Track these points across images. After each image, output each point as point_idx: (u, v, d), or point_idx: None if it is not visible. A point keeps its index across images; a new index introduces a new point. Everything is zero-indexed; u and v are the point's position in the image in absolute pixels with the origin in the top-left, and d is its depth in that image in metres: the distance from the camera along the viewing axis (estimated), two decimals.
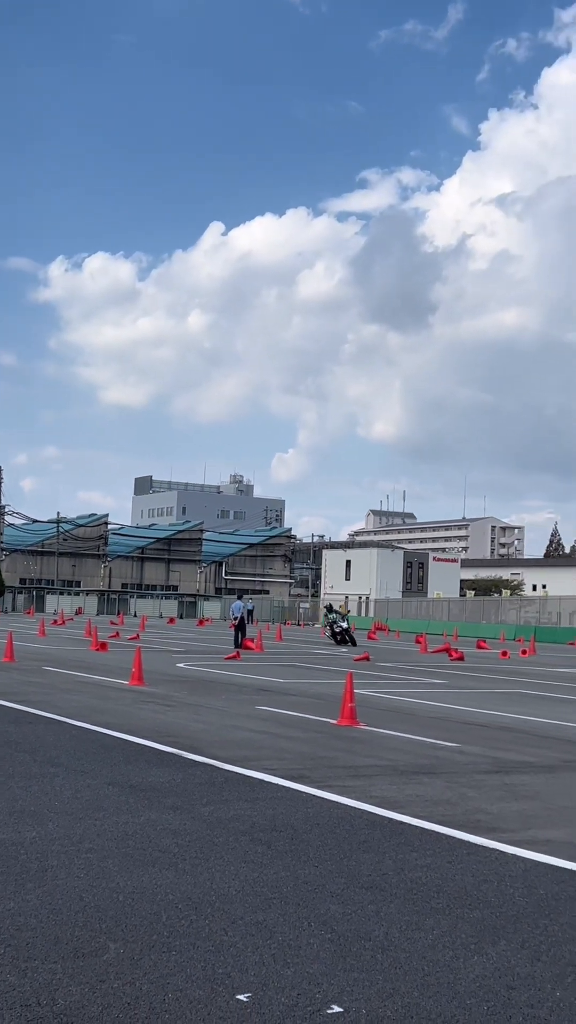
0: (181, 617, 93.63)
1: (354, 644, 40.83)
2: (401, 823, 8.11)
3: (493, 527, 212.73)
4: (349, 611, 45.32)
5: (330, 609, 42.46)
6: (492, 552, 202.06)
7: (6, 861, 6.48)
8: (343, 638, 41.33)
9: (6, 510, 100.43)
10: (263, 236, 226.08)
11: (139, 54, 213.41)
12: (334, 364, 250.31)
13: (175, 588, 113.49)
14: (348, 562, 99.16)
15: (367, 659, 32.28)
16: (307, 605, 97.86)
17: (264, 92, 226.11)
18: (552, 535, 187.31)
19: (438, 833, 7.79)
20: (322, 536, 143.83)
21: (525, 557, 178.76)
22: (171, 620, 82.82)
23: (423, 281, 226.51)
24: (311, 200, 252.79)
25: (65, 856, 6.67)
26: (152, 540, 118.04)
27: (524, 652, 41.52)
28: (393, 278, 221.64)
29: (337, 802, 8.85)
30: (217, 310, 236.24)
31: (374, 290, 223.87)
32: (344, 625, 41.30)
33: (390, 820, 8.20)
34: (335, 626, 41.49)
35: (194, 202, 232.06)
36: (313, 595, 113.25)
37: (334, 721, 14.84)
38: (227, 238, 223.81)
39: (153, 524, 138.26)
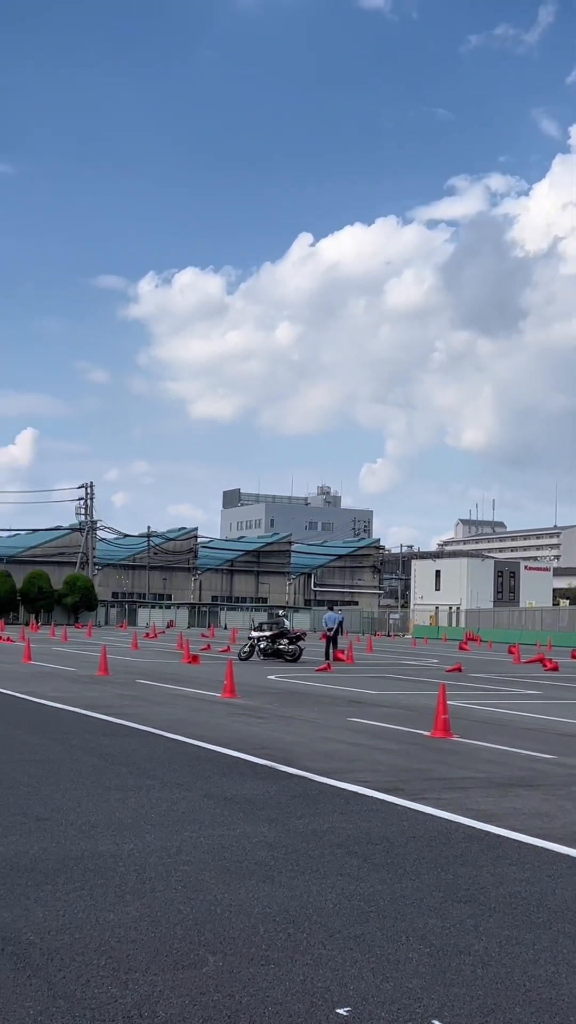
0: None
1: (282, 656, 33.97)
2: (498, 836, 8.01)
3: None
4: (280, 615, 37.34)
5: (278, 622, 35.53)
6: None
7: (105, 873, 6.56)
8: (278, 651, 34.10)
9: (98, 525, 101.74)
10: (352, 246, 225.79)
11: (224, 66, 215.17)
12: (423, 372, 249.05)
13: (264, 600, 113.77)
14: (438, 572, 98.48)
15: (459, 670, 32.01)
16: (397, 616, 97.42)
17: (352, 101, 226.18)
18: None
19: (537, 847, 7.69)
20: (411, 546, 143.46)
21: None
22: None
23: (513, 286, 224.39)
24: (400, 208, 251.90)
25: (163, 868, 6.72)
26: (241, 553, 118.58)
27: None
28: (483, 284, 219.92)
29: (432, 815, 8.78)
30: (305, 322, 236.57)
31: (464, 297, 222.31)
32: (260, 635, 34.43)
33: (487, 833, 8.12)
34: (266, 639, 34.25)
35: (283, 214, 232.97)
36: (403, 605, 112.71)
37: (427, 733, 14.74)
38: (315, 249, 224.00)
39: (242, 537, 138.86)
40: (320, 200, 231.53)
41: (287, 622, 35.60)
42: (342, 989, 4.69)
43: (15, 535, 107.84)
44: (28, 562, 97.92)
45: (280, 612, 41.27)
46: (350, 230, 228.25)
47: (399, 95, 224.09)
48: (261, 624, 35.88)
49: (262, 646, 34.42)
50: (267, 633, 34.70)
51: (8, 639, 47.38)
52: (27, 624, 77.07)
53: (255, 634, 35.04)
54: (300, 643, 34.79)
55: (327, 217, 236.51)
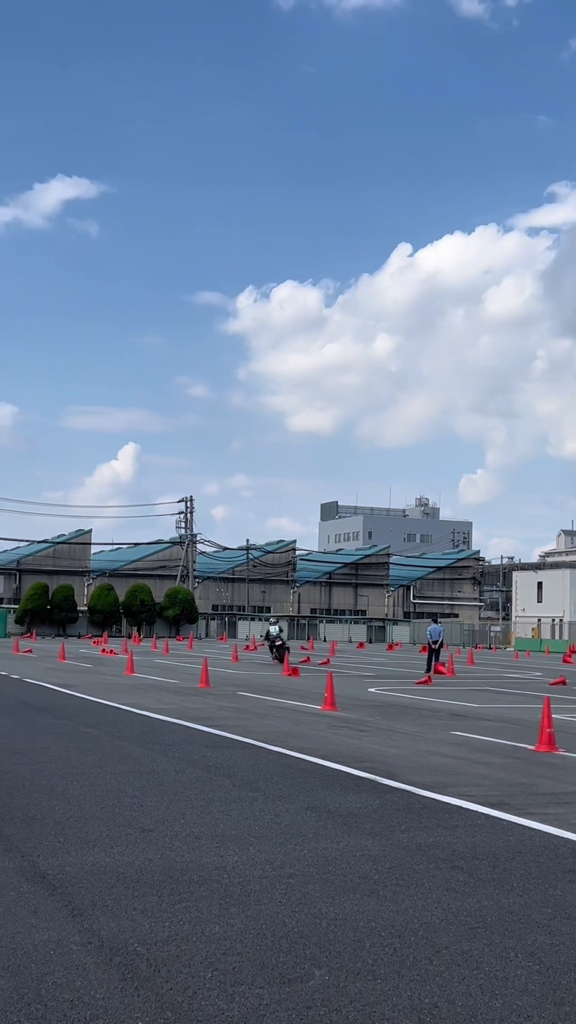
0: (370, 642, 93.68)
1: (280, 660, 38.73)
2: None
3: None
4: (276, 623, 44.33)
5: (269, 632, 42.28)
6: None
7: (211, 885, 6.58)
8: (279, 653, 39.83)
9: (197, 538, 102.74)
10: (450, 255, 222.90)
11: (322, 79, 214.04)
12: (524, 381, 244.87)
13: (363, 612, 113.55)
14: (539, 584, 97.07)
15: (563, 683, 31.51)
16: (498, 628, 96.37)
17: (451, 109, 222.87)
18: None
19: None
20: (511, 558, 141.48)
21: None
22: (360, 645, 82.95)
23: None
24: (500, 216, 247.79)
25: (267, 881, 6.72)
26: (339, 565, 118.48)
27: None
28: None
29: (539, 830, 8.64)
30: (403, 332, 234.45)
31: (565, 304, 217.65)
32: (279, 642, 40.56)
33: None
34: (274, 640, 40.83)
35: (381, 225, 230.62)
36: (504, 618, 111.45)
37: (532, 747, 14.52)
38: (414, 259, 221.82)
39: (340, 549, 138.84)
40: (419, 210, 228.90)
41: (272, 631, 41.40)
42: (450, 1006, 4.63)
43: (117, 549, 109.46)
44: (130, 575, 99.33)
45: (272, 620, 49.03)
46: (449, 239, 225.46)
47: (499, 102, 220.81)
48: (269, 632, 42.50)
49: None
50: (271, 640, 41.26)
51: (112, 651, 48.03)
52: (130, 637, 78.08)
53: (265, 642, 43.76)
54: (281, 647, 39.76)
55: (426, 227, 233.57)
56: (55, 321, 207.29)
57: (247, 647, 60.75)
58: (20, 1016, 4.43)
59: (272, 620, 47.56)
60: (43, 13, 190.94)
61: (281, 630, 42.05)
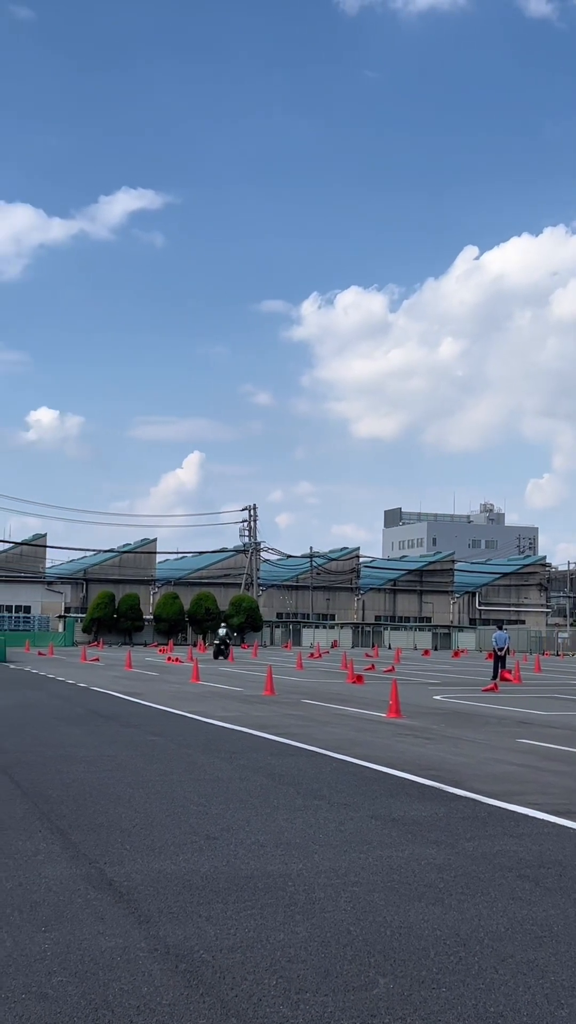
0: (435, 649, 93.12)
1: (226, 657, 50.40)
2: None
3: None
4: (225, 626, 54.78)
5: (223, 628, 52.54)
6: None
7: (275, 893, 6.60)
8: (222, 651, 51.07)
9: (262, 547, 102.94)
10: (517, 258, 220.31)
11: (386, 84, 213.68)
12: None
13: (428, 619, 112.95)
14: None
15: None
16: (566, 635, 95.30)
17: (518, 110, 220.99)
18: None
19: None
20: None
21: None
22: (426, 652, 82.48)
23: None
24: (568, 217, 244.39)
25: (331, 889, 6.73)
26: (404, 572, 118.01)
27: None
28: None
29: None
30: (469, 336, 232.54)
31: None
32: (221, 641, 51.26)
33: None
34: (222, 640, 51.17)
35: (446, 228, 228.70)
36: (572, 624, 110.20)
37: None
38: (480, 262, 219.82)
39: (404, 556, 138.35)
40: (486, 212, 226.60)
41: (221, 632, 51.70)
42: (515, 1015, 4.61)
43: (182, 557, 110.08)
44: (195, 584, 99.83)
45: (224, 624, 59.07)
46: (516, 241, 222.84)
47: (567, 103, 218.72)
48: (218, 635, 52.48)
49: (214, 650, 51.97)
50: (216, 642, 51.77)
51: (177, 660, 48.30)
52: (195, 645, 78.45)
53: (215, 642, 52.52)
54: (229, 649, 51.69)
55: (493, 229, 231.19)
56: (121, 332, 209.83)
57: (312, 655, 60.72)
58: (88, 1021, 4.49)
59: (224, 625, 56.57)
60: (104, 22, 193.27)
61: (228, 633, 52.61)
